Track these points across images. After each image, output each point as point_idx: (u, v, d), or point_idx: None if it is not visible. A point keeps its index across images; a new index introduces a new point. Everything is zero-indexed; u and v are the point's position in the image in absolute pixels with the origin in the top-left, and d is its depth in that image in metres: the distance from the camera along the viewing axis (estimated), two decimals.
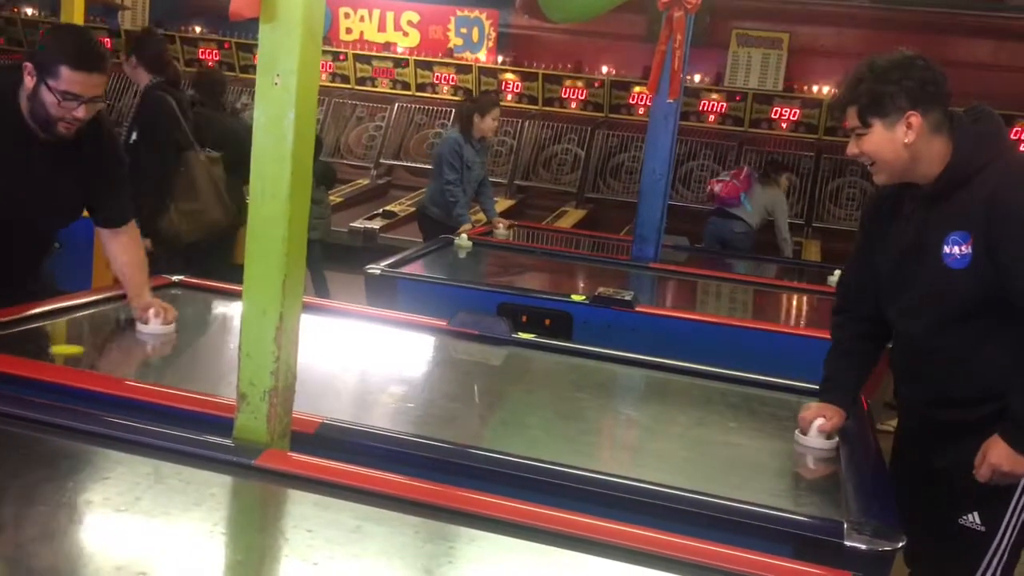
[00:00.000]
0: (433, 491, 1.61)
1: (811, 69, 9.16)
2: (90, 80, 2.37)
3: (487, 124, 5.47)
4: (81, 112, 2.39)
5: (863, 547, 1.62)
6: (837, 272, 3.05)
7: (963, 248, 2.02)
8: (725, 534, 1.63)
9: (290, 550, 1.45)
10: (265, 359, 1.74)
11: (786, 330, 3.67)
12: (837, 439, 2.18)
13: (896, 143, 2.06)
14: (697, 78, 9.15)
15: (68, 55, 2.35)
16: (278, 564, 1.44)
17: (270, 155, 1.70)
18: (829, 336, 2.41)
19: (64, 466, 1.71)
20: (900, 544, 1.64)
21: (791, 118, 9.06)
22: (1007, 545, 2.05)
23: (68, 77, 2.33)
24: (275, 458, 1.70)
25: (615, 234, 6.62)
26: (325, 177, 6.20)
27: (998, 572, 2.05)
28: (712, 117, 9.28)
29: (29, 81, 2.38)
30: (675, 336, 3.51)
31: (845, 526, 1.65)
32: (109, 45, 10.60)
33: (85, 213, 2.70)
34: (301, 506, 1.63)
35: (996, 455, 2.00)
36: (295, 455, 1.74)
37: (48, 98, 2.35)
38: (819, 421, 2.17)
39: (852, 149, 2.14)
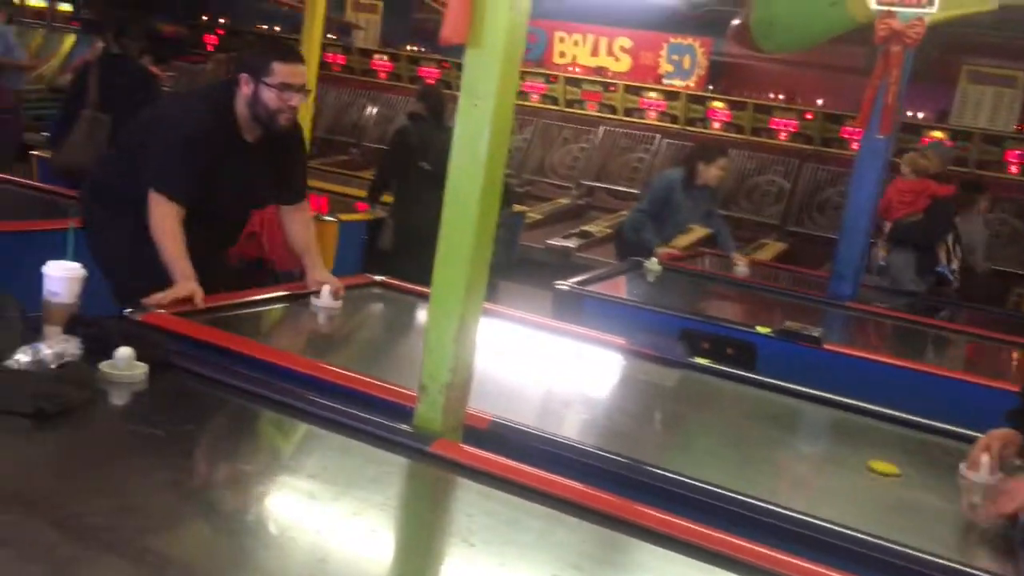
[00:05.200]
0: (589, 494, 1.70)
1: None
2: (298, 69, 2.75)
3: (711, 173, 5.45)
4: (295, 100, 2.74)
5: None
6: None
7: None
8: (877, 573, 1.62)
9: (450, 528, 1.59)
10: (445, 356, 1.89)
11: (981, 381, 3.47)
12: (1001, 474, 2.10)
13: None
14: (920, 115, 8.74)
15: (276, 53, 2.75)
16: (438, 539, 1.58)
17: (465, 171, 1.86)
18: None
19: (268, 432, 1.94)
20: None
21: None
22: None
23: (281, 71, 2.70)
24: (447, 447, 1.84)
25: (814, 270, 6.45)
26: (505, 197, 6.12)
27: None
28: None
29: (246, 89, 2.73)
30: (862, 377, 3.41)
31: None
32: (343, 60, 11.46)
33: None
34: (465, 492, 1.76)
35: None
36: (465, 447, 1.88)
37: (268, 94, 2.70)
38: (984, 458, 2.11)
39: None
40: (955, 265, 6.08)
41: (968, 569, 1.67)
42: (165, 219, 2.65)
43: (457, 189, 1.87)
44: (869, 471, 2.20)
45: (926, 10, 4.18)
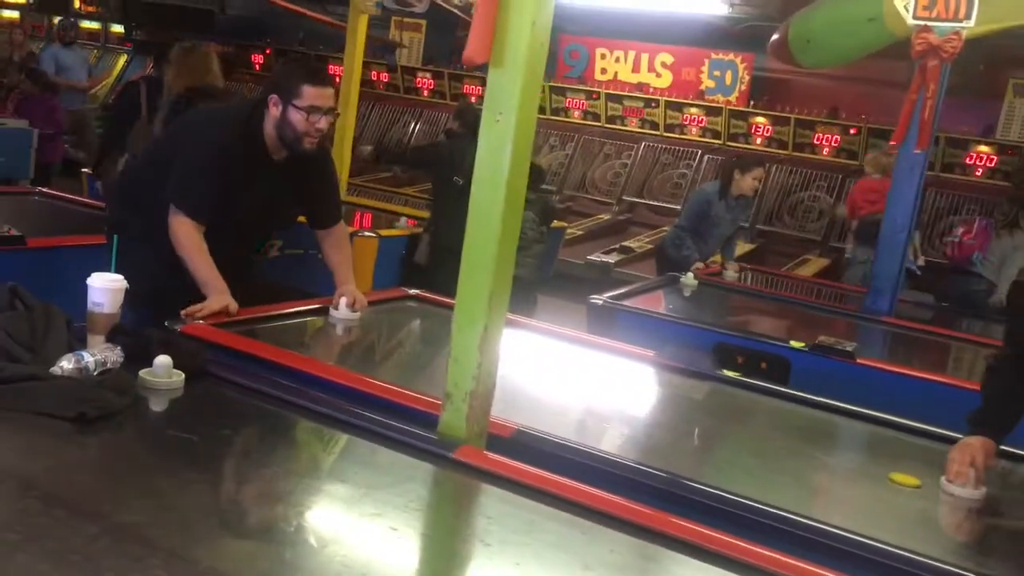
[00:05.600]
0: (605, 500, 1.74)
1: None
2: (326, 92, 2.80)
3: (746, 183, 5.50)
4: (323, 123, 2.79)
5: None
6: None
7: None
8: None
9: (468, 530, 1.64)
10: (469, 365, 1.95)
11: None
12: (984, 488, 2.12)
13: None
14: (965, 128, 8.63)
15: (305, 76, 2.79)
16: (456, 539, 1.64)
17: (488, 183, 1.92)
18: None
19: (299, 438, 2.02)
20: None
21: None
22: None
23: (309, 93, 2.74)
24: (470, 454, 1.89)
25: (855, 287, 6.39)
26: (545, 215, 6.04)
27: None
28: (979, 171, 8.71)
29: (275, 110, 2.78)
30: (895, 391, 3.39)
31: None
32: (387, 78, 11.64)
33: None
34: (486, 497, 1.81)
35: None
36: (489, 454, 1.93)
37: (296, 116, 2.75)
38: (972, 473, 2.13)
39: None
40: (921, 260, 6.29)
41: None
42: (189, 237, 2.72)
43: (480, 202, 1.93)
44: (891, 483, 2.20)
45: (963, 24, 4.15)
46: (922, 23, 4.23)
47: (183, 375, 2.01)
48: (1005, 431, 2.28)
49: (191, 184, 2.77)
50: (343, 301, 2.86)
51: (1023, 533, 2.11)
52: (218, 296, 2.61)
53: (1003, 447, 2.32)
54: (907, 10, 4.25)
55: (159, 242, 2.76)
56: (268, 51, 12.54)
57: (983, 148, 8.65)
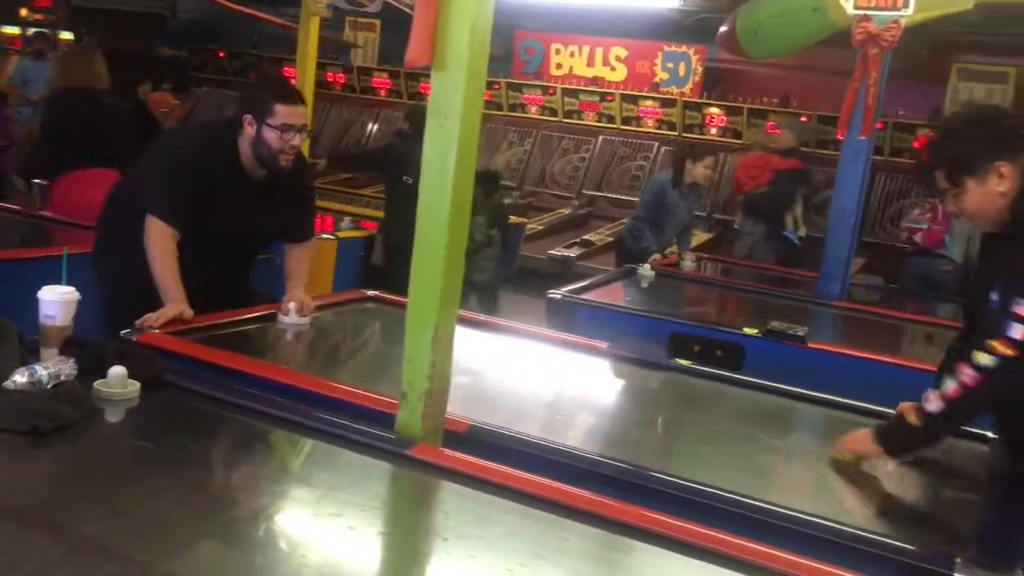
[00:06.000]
0: (557, 490, 1.79)
1: None
2: (298, 111, 2.86)
3: (698, 171, 5.59)
4: (297, 140, 2.85)
5: None
6: None
7: (996, 295, 2.06)
8: (839, 557, 1.70)
9: (426, 526, 1.68)
10: (423, 364, 1.99)
11: None
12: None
13: (992, 194, 2.11)
14: (913, 113, 8.80)
15: (277, 95, 2.85)
16: (413, 535, 1.68)
17: (434, 186, 1.95)
18: None
19: (256, 443, 2.04)
20: None
21: None
22: None
23: (282, 112, 2.81)
24: (427, 451, 1.93)
25: (811, 271, 6.51)
26: (498, 219, 6.12)
27: None
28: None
29: (250, 130, 2.85)
30: (846, 374, 3.48)
31: (957, 560, 1.67)
32: (344, 79, 11.61)
33: None
34: (443, 493, 1.85)
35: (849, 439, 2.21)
36: (445, 450, 1.97)
37: (270, 135, 2.82)
38: None
39: (950, 207, 2.22)
40: (801, 232, 6.63)
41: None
42: (159, 241, 2.76)
43: (428, 204, 1.97)
44: (832, 460, 2.28)
45: (901, 12, 4.26)
46: (862, 12, 4.33)
47: (138, 385, 2.02)
48: None
49: (162, 189, 2.83)
50: (292, 306, 2.87)
51: (963, 501, 2.18)
52: (174, 304, 2.63)
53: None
54: (847, 0, 4.34)
55: (141, 261, 2.78)
56: (221, 54, 12.45)
57: (930, 132, 8.83)
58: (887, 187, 8.86)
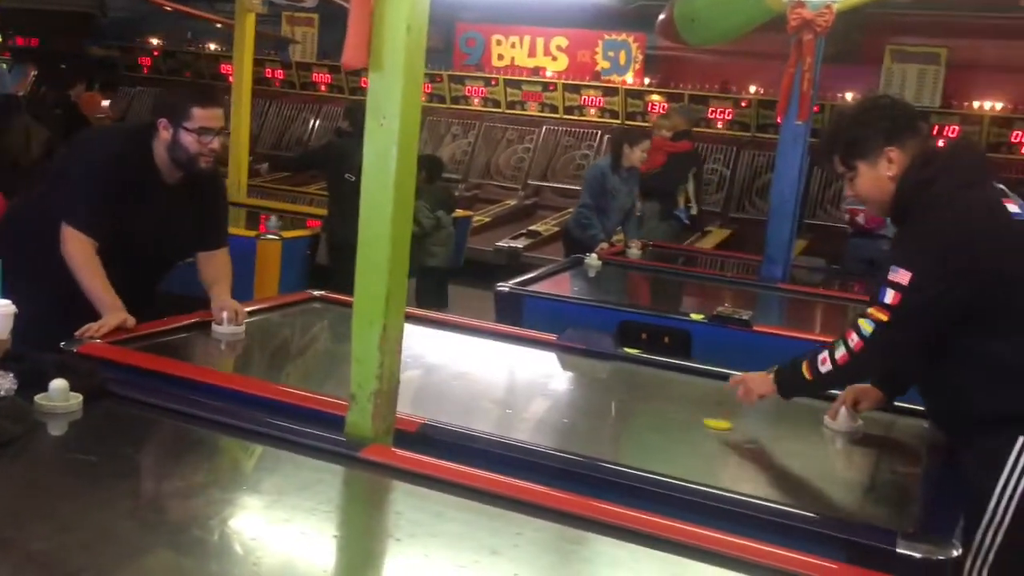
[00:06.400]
0: (509, 485, 1.80)
1: (971, 84, 8.80)
2: (216, 113, 2.82)
3: (635, 155, 5.65)
4: (216, 143, 2.80)
5: (916, 555, 1.68)
6: None
7: None
8: (788, 539, 1.73)
9: (378, 527, 1.68)
10: (371, 365, 1.98)
11: None
12: (861, 422, 2.38)
13: (882, 179, 2.24)
14: (849, 96, 8.96)
15: (194, 98, 2.80)
16: (366, 537, 1.68)
17: (376, 186, 1.94)
18: None
19: (204, 451, 2.02)
20: (954, 554, 1.70)
21: (950, 135, 8.73)
22: (990, 544, 2.08)
23: (199, 115, 2.76)
24: (378, 452, 1.93)
25: (756, 255, 6.61)
26: (445, 203, 6.22)
27: (983, 572, 2.08)
28: None
29: (165, 134, 2.79)
30: (790, 355, 3.54)
31: (898, 534, 1.72)
32: (283, 75, 11.47)
33: None
34: (395, 494, 1.85)
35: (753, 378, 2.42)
36: (396, 450, 1.97)
37: (187, 139, 2.76)
38: (843, 410, 2.40)
39: (847, 192, 2.37)
40: (693, 210, 6.95)
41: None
42: (81, 252, 2.67)
43: (371, 204, 1.96)
44: (705, 427, 2.42)
45: None
46: None
47: (81, 397, 1.99)
48: (895, 389, 2.49)
49: (79, 197, 2.75)
50: (225, 315, 2.80)
51: (904, 477, 2.25)
52: (114, 313, 2.58)
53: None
54: None
55: (53, 278, 2.68)
56: (156, 52, 12.21)
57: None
58: (826, 169, 9.02)
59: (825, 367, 2.26)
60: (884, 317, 2.14)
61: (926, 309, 2.12)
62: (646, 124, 9.74)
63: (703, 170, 7.95)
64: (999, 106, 8.70)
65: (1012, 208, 2.18)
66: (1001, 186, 2.24)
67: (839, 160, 2.31)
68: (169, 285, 3.17)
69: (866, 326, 2.17)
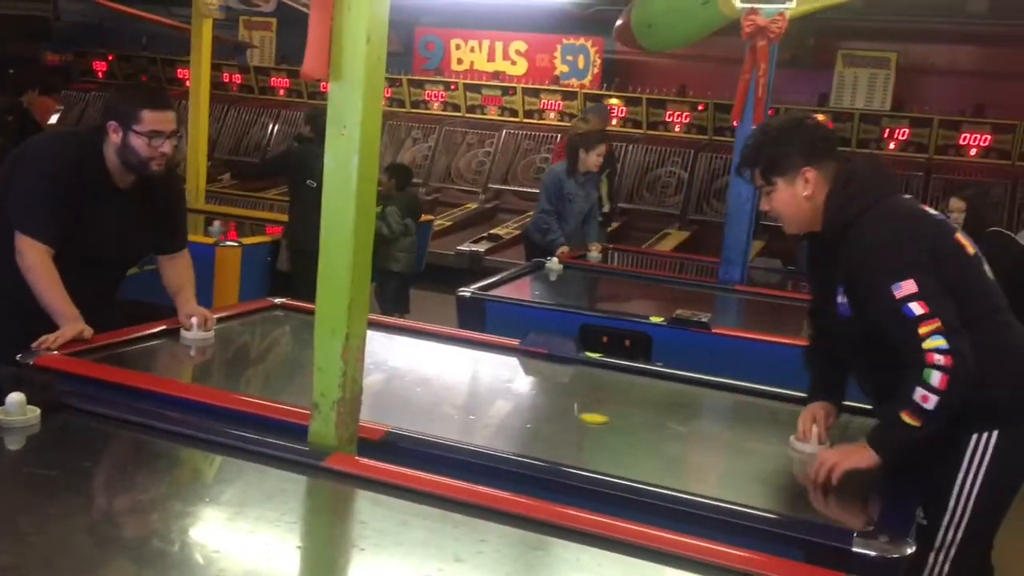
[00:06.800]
0: (473, 492, 1.81)
1: (921, 88, 8.99)
2: (167, 116, 2.75)
3: (591, 160, 5.67)
4: (167, 147, 2.75)
5: (871, 554, 1.73)
6: None
7: (844, 298, 2.24)
8: (747, 539, 1.77)
9: (342, 537, 1.68)
10: (334, 374, 1.98)
11: None
12: (828, 443, 2.34)
13: (797, 197, 2.29)
14: (803, 99, 9.10)
15: (144, 101, 2.74)
16: (330, 547, 1.68)
17: (338, 194, 1.95)
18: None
19: (163, 462, 2.00)
20: (908, 552, 1.74)
21: (900, 138, 8.91)
22: (951, 541, 2.15)
23: (150, 118, 2.70)
24: (341, 460, 1.93)
25: (714, 257, 6.70)
26: (413, 210, 6.24)
27: (945, 568, 2.14)
28: None
29: (115, 137, 2.72)
30: (750, 357, 3.60)
31: (854, 534, 1.76)
32: (241, 80, 11.37)
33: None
34: (360, 502, 1.86)
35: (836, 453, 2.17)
36: (360, 459, 1.97)
37: (138, 142, 2.70)
38: (815, 430, 2.36)
39: (764, 205, 2.41)
40: (606, 208, 7.00)
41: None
42: (38, 261, 2.62)
43: (332, 213, 1.96)
44: (581, 422, 2.46)
45: (787, 5, 4.41)
46: (749, 5, 4.47)
47: (38, 410, 1.96)
48: (838, 394, 2.51)
49: (31, 204, 2.68)
50: (194, 321, 2.79)
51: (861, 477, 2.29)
52: (71, 324, 2.54)
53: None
54: None
55: (7, 289, 2.65)
56: (111, 57, 12.04)
57: (819, 117, 9.13)
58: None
59: (930, 403, 2.05)
60: (937, 324, 2.05)
61: (947, 295, 2.11)
62: (607, 128, 9.83)
63: (616, 169, 8.20)
64: (947, 109, 8.89)
65: (927, 208, 2.33)
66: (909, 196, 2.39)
67: (759, 174, 2.35)
68: (129, 292, 3.14)
69: (937, 341, 2.05)
